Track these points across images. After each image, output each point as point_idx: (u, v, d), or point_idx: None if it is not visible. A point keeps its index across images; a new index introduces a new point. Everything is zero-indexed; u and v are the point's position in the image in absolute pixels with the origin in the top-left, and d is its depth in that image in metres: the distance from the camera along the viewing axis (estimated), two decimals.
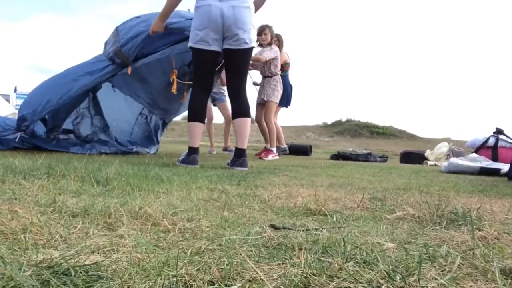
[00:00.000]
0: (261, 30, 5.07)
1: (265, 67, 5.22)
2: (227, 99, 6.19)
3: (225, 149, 6.41)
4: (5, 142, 3.78)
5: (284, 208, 1.36)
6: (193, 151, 3.06)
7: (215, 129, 6.92)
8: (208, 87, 3.18)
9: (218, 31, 2.94)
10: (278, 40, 5.40)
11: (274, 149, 5.25)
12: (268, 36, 5.10)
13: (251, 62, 5.04)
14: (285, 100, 5.60)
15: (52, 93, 3.69)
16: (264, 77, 5.29)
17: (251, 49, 3.13)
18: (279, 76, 5.28)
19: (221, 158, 4.72)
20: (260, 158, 5.10)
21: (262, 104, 5.33)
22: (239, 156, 3.08)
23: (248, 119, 3.16)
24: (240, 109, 3.14)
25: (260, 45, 5.17)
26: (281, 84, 5.29)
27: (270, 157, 5.07)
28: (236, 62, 3.09)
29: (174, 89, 4.00)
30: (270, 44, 5.15)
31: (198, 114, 3.10)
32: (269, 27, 5.12)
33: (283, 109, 5.77)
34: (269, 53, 5.07)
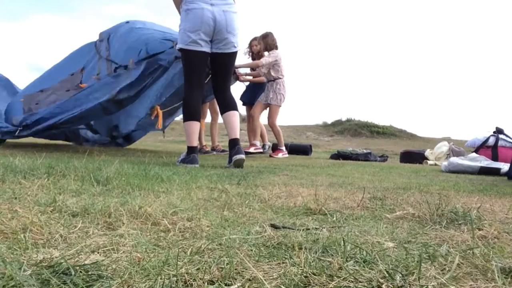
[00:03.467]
0: (252, 41, 5.61)
1: (267, 72, 5.49)
2: None
3: (213, 149, 6.07)
4: None
5: (284, 208, 1.36)
6: (192, 150, 3.10)
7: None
8: (200, 86, 3.25)
9: (209, 34, 3.06)
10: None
11: (283, 148, 5.57)
12: (258, 47, 5.47)
13: (249, 69, 5.56)
14: None
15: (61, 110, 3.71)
16: (269, 81, 5.56)
17: (237, 52, 3.29)
18: (283, 80, 5.45)
19: (221, 157, 4.72)
20: (271, 156, 5.43)
21: (264, 104, 5.55)
22: (234, 145, 3.13)
23: (236, 112, 3.29)
24: (227, 104, 3.28)
25: (251, 53, 5.61)
26: (285, 88, 5.51)
27: (252, 149, 5.34)
28: (224, 64, 3.25)
29: (159, 124, 4.10)
30: (259, 52, 5.50)
31: (193, 113, 3.16)
32: (263, 36, 5.46)
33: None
34: (268, 58, 5.29)
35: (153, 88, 4.38)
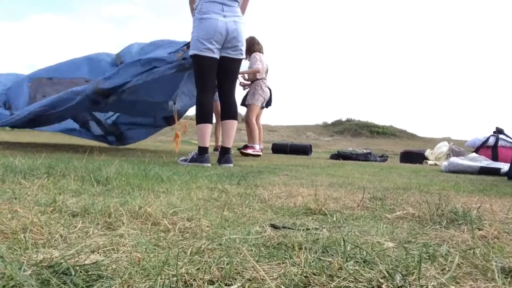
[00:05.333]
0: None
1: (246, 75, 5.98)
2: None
3: (216, 149, 6.19)
4: None
5: (284, 208, 1.36)
6: (205, 150, 3.34)
7: None
8: (212, 90, 3.50)
9: (220, 42, 3.34)
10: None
11: (257, 146, 5.73)
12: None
13: (245, 75, 5.91)
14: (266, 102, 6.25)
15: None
16: (251, 82, 6.01)
17: (242, 60, 3.59)
18: (260, 81, 5.88)
19: None
20: (241, 153, 5.60)
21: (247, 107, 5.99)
22: (224, 154, 3.41)
23: (235, 122, 3.56)
24: (229, 111, 3.53)
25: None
26: (263, 88, 5.92)
27: (250, 151, 5.55)
28: (231, 68, 3.50)
29: (176, 147, 4.21)
30: (250, 53, 5.84)
31: (206, 115, 3.40)
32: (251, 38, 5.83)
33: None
34: (258, 62, 5.76)
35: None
